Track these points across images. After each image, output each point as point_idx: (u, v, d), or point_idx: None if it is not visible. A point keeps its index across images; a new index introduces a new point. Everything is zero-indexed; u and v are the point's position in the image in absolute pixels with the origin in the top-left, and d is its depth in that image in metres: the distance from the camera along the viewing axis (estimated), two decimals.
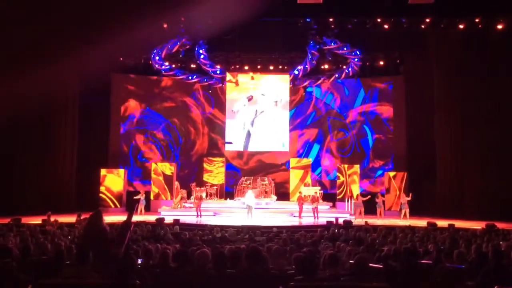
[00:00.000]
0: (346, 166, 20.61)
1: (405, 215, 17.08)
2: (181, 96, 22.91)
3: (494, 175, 17.70)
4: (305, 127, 23.27)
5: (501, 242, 8.34)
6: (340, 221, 14.53)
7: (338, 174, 20.65)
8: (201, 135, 23.24)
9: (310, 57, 20.53)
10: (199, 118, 23.23)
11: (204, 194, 18.86)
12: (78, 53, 16.76)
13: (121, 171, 20.18)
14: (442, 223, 14.18)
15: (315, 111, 23.24)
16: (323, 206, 18.35)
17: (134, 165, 21.85)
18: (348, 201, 18.59)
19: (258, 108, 22.20)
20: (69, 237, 9.04)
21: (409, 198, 17.21)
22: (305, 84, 22.33)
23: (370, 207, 17.53)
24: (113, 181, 19.91)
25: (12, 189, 17.86)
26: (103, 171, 19.95)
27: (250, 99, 22.08)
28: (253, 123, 22.11)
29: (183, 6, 16.31)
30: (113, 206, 19.56)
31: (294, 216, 17.18)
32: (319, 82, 22.20)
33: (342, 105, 22.81)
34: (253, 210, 16.39)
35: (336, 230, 11.36)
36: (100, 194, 19.67)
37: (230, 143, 22.20)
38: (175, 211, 17.77)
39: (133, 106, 22.23)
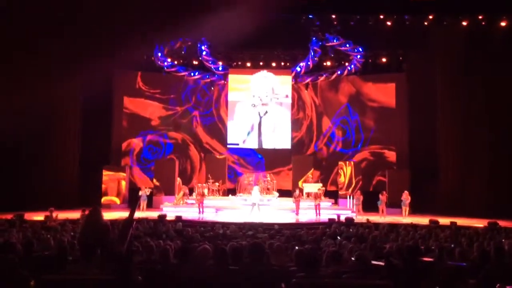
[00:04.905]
0: (349, 163, 20.58)
1: (405, 212, 17.05)
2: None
3: (496, 173, 17.66)
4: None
5: (503, 240, 8.34)
6: (342, 218, 14.57)
7: (340, 171, 20.62)
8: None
9: (312, 53, 20.47)
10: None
11: (206, 191, 18.87)
12: (82, 49, 16.82)
13: (123, 174, 20.00)
14: (444, 221, 14.20)
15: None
16: (325, 203, 18.36)
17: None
18: (350, 198, 18.59)
19: (262, 109, 22.16)
20: (72, 233, 9.05)
21: (407, 199, 17.11)
22: (307, 81, 22.28)
23: (373, 205, 17.52)
24: (115, 183, 19.85)
25: (15, 185, 17.87)
26: (105, 177, 19.75)
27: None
28: (260, 124, 22.10)
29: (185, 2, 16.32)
30: (118, 202, 19.59)
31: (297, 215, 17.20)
32: (321, 79, 22.14)
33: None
34: (259, 206, 16.52)
35: (337, 230, 11.36)
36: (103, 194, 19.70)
37: (237, 144, 22.23)
38: (177, 208, 17.81)
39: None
